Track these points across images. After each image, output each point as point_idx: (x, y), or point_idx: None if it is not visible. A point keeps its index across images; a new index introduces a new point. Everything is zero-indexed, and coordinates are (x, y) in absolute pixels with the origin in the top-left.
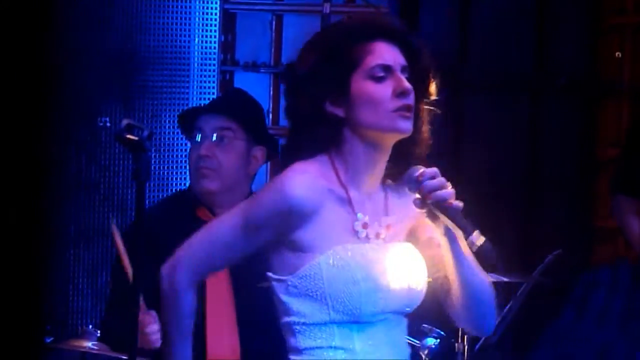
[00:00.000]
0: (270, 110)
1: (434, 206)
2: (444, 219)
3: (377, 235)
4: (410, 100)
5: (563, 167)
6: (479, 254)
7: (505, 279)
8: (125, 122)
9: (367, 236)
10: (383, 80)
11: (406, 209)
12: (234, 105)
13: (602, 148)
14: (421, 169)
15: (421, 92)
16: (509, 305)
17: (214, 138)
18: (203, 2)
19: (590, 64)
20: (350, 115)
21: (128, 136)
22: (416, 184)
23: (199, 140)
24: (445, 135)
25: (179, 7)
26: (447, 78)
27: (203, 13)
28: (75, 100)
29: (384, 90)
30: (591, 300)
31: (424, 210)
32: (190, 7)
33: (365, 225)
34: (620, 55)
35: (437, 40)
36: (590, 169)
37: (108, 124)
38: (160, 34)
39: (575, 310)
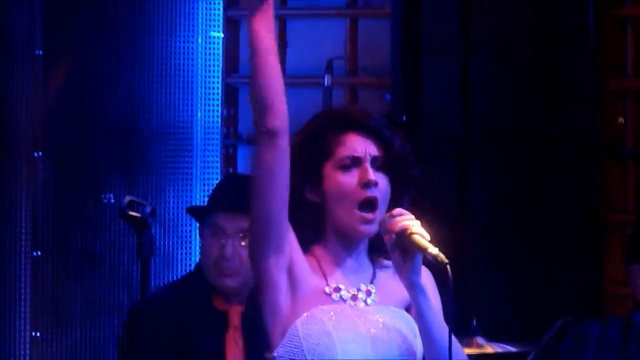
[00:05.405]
0: None
1: (400, 238)
2: (412, 246)
3: (354, 298)
4: (375, 192)
5: (568, 230)
6: (436, 268)
7: (514, 349)
8: (127, 199)
9: (342, 298)
10: (350, 169)
11: (396, 281)
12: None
13: (607, 211)
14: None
15: (399, 178)
16: None
17: (237, 238)
18: (205, 77)
19: (595, 127)
20: (324, 204)
21: (130, 213)
22: (384, 226)
23: (216, 235)
24: (449, 198)
25: (182, 82)
26: (451, 140)
27: (205, 88)
28: (80, 176)
29: (350, 180)
30: (579, 355)
31: (395, 247)
32: (192, 82)
33: (337, 289)
34: (622, 121)
35: (440, 103)
36: (596, 233)
37: (112, 200)
38: (163, 109)
39: None
